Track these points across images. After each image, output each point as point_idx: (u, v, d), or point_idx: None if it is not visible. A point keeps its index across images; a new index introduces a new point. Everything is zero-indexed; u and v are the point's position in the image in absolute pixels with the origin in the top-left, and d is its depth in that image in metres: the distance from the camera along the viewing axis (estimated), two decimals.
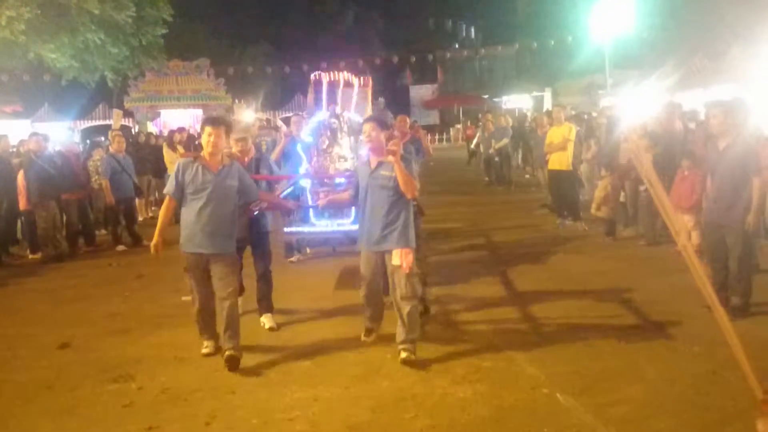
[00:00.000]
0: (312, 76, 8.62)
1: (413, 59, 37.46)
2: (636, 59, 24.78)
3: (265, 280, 6.29)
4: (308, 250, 9.13)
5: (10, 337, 6.25)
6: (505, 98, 41.07)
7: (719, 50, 16.58)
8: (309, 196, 7.06)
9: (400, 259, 5.07)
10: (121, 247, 10.52)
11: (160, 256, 5.31)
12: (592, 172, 11.92)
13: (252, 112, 20.53)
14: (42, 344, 5.94)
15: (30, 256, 10.24)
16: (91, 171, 11.39)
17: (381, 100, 36.42)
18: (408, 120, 9.32)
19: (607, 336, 5.45)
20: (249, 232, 6.04)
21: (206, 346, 5.47)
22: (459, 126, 39.45)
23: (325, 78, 8.31)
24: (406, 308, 5.11)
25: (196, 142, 15.88)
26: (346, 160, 7.13)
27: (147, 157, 14.20)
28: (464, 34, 59.68)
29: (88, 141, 17.40)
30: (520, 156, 20.09)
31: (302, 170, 7.39)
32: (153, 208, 14.42)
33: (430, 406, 4.31)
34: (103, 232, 11.58)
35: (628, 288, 6.79)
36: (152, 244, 5.30)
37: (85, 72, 19.63)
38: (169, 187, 5.29)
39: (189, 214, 5.20)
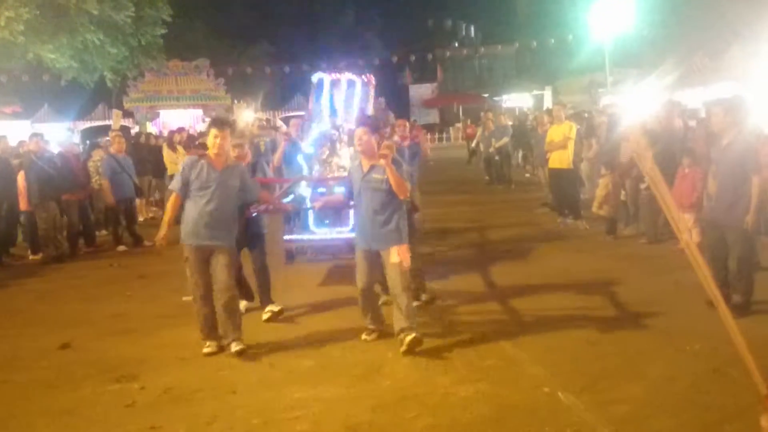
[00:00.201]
0: (313, 78, 8.68)
1: (413, 58, 37.44)
2: (636, 57, 24.76)
3: (262, 273, 6.49)
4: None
5: (11, 338, 6.26)
6: (505, 97, 41.04)
7: (719, 48, 16.57)
8: (308, 203, 7.17)
9: (399, 256, 5.28)
10: (121, 248, 10.52)
11: (165, 249, 5.54)
12: (592, 171, 11.92)
13: (252, 112, 20.55)
14: (43, 345, 5.94)
15: (31, 257, 10.25)
16: (91, 171, 11.39)
17: (381, 99, 36.41)
18: (407, 123, 9.36)
19: (607, 334, 5.46)
20: (246, 233, 6.14)
21: (208, 346, 5.48)
22: (459, 125, 39.45)
23: (327, 79, 8.36)
24: (404, 300, 5.30)
25: (196, 143, 15.92)
26: (345, 169, 7.21)
27: (147, 157, 14.21)
28: (464, 32, 59.62)
29: (87, 141, 17.42)
30: (520, 155, 20.09)
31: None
32: (153, 209, 14.43)
33: (431, 406, 4.30)
34: (104, 232, 11.60)
35: (629, 286, 6.79)
36: (158, 237, 5.51)
37: (85, 72, 19.61)
38: (175, 183, 5.52)
39: (192, 209, 5.41)
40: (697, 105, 13.04)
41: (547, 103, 30.43)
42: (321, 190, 7.22)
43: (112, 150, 11.11)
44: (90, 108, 32.66)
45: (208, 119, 33.41)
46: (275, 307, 6.39)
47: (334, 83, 8.87)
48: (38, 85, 25.24)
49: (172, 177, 13.31)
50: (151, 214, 14.02)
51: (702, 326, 5.36)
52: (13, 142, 12.49)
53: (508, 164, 17.44)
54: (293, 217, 7.33)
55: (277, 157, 8.80)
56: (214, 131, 5.45)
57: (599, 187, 9.85)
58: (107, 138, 13.99)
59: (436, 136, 39.53)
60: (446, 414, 4.19)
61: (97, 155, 11.74)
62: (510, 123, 19.16)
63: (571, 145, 10.30)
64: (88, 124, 31.89)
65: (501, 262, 8.29)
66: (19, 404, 4.71)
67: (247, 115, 18.51)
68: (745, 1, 17.19)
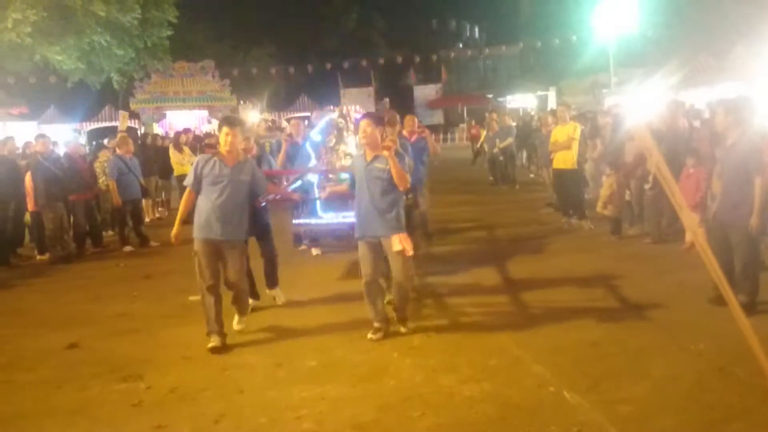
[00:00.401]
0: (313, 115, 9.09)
1: (417, 59, 37.43)
2: (640, 58, 24.74)
3: (270, 261, 6.81)
4: (314, 252, 9.21)
5: (18, 338, 6.29)
6: (509, 98, 41.05)
7: (724, 48, 16.56)
8: (316, 191, 7.48)
9: (401, 243, 5.47)
10: (128, 248, 10.57)
11: (178, 243, 5.74)
12: (597, 171, 11.91)
13: (257, 112, 20.64)
14: (50, 344, 5.98)
15: (38, 257, 10.30)
16: (98, 172, 11.44)
17: (386, 100, 36.47)
18: (416, 120, 9.74)
19: (612, 333, 5.47)
20: (254, 224, 6.29)
21: (212, 340, 5.55)
22: (463, 126, 39.45)
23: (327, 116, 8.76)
24: (402, 288, 5.66)
25: (204, 143, 15.99)
26: (351, 156, 7.46)
27: (153, 158, 14.24)
28: (468, 33, 59.70)
29: (94, 142, 17.47)
30: (524, 155, 20.08)
31: (311, 166, 7.86)
32: (159, 209, 14.48)
33: (436, 405, 4.32)
34: (111, 233, 11.64)
35: (633, 286, 6.79)
36: (172, 234, 5.74)
37: (91, 74, 19.71)
38: (189, 179, 5.75)
39: (205, 203, 5.60)
40: (701, 105, 13.05)
41: (552, 103, 30.43)
42: (330, 176, 7.50)
43: (119, 151, 11.16)
44: (96, 109, 32.78)
45: (214, 120, 33.62)
46: (280, 297, 6.77)
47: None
48: (45, 86, 25.35)
49: (178, 178, 13.51)
50: (157, 215, 14.07)
51: (706, 325, 5.38)
52: (19, 144, 12.55)
53: (513, 165, 17.44)
54: (301, 203, 7.52)
55: (279, 159, 8.99)
56: (225, 129, 5.67)
57: (603, 187, 9.85)
58: (109, 139, 14.11)
59: (441, 136, 39.49)
60: (451, 413, 4.20)
61: (104, 156, 11.79)
62: (514, 123, 19.16)
63: (575, 146, 10.29)
64: (94, 126, 32.03)
65: (505, 262, 8.30)
66: (26, 404, 4.74)
67: (253, 116, 18.59)
68: (750, 1, 17.17)
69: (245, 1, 43.14)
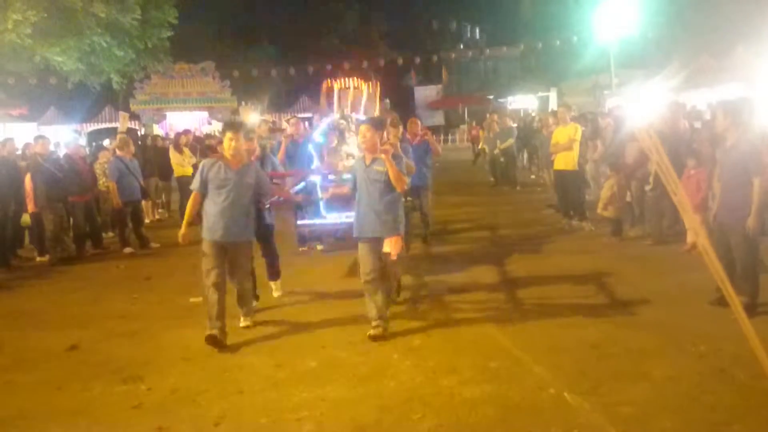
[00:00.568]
0: (324, 84, 9.19)
1: (418, 60, 37.43)
2: (641, 59, 24.76)
3: (271, 256, 7.03)
4: (318, 247, 9.31)
5: (19, 339, 6.29)
6: (510, 99, 41.02)
7: (725, 49, 16.54)
8: (319, 192, 7.57)
9: (390, 247, 5.68)
10: (128, 250, 10.55)
11: (185, 243, 5.91)
12: (597, 172, 11.91)
13: (258, 114, 20.65)
14: (51, 346, 5.97)
15: (38, 259, 10.29)
16: (98, 173, 11.44)
17: (387, 101, 36.44)
18: (419, 123, 9.95)
19: (612, 335, 5.46)
20: (257, 225, 6.34)
21: (210, 329, 5.61)
22: (464, 127, 39.45)
23: (337, 85, 8.85)
24: (385, 288, 5.82)
25: (204, 144, 15.99)
26: (353, 157, 7.58)
27: (153, 159, 14.23)
28: (469, 34, 59.68)
29: (94, 143, 17.47)
30: (525, 156, 20.08)
31: (314, 167, 7.96)
32: (159, 211, 14.47)
33: (437, 406, 4.32)
34: (111, 234, 11.64)
35: (633, 287, 6.79)
36: (180, 234, 5.90)
37: (91, 75, 19.75)
38: (195, 183, 5.93)
39: (211, 206, 5.80)
40: (702, 106, 13.04)
41: (552, 104, 30.40)
42: (331, 177, 7.59)
43: (120, 152, 11.16)
44: (96, 110, 32.80)
45: (214, 121, 33.62)
46: (277, 290, 7.04)
47: (343, 88, 9.16)
48: (45, 87, 25.37)
49: (178, 179, 13.50)
50: (157, 216, 14.05)
51: (707, 327, 5.37)
52: (19, 145, 12.53)
53: (514, 166, 17.43)
54: (304, 205, 7.65)
55: (279, 157, 9.01)
56: (229, 134, 5.87)
57: (604, 189, 9.85)
58: (110, 141, 14.10)
59: (441, 137, 39.50)
60: (452, 415, 4.19)
61: (104, 157, 11.77)
62: (515, 125, 19.16)
63: (576, 147, 10.29)
64: (94, 127, 32.04)
65: (506, 263, 8.30)
66: (27, 405, 4.74)
67: (254, 117, 18.61)
68: (750, 2, 17.18)
69: (245, 2, 43.19)
